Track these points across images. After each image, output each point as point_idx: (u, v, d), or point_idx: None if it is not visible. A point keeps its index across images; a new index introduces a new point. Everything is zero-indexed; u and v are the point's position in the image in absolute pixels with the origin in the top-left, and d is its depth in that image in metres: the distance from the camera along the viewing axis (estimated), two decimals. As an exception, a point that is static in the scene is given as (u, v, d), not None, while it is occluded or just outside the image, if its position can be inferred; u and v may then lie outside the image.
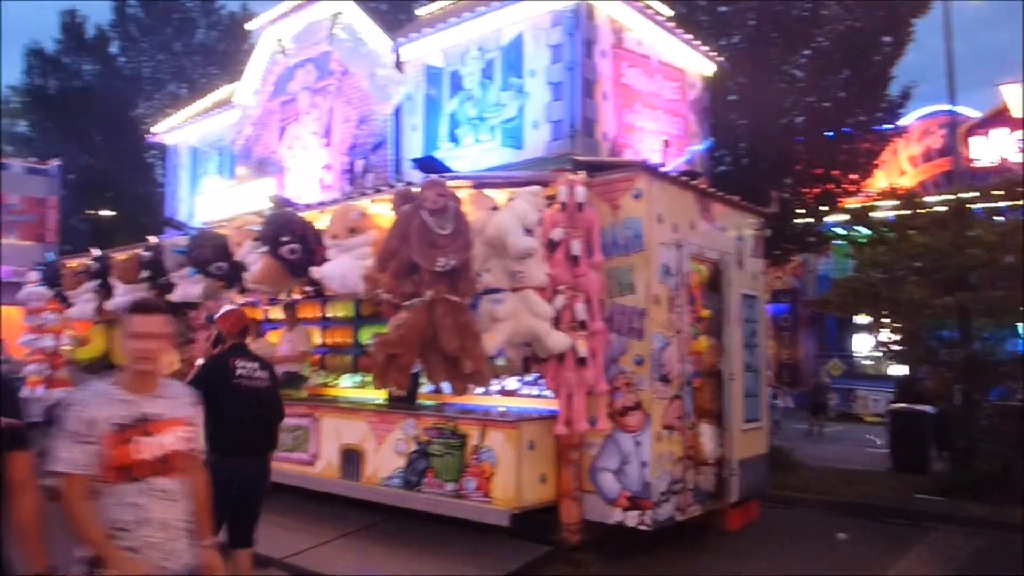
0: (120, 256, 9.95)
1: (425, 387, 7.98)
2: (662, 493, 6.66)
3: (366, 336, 9.62)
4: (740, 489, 7.69)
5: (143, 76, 24.20)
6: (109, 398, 2.76)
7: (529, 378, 8.00)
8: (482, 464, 6.76)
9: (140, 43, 24.37)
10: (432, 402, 8.32)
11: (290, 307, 10.11)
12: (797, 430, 16.53)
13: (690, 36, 9.48)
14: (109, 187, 23.85)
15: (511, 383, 8.29)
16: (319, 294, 9.92)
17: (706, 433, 7.52)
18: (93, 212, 24.31)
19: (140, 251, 9.51)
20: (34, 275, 11.71)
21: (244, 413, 4.94)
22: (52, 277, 11.25)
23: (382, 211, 6.86)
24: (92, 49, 25.01)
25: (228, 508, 4.62)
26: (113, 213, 24.14)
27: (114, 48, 25.08)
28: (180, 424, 2.88)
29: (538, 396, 7.87)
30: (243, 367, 5.07)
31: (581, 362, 6.54)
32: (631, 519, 6.61)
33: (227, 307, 5.97)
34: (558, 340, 6.47)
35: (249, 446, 4.97)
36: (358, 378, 9.96)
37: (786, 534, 8.15)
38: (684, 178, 7.50)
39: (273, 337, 10.22)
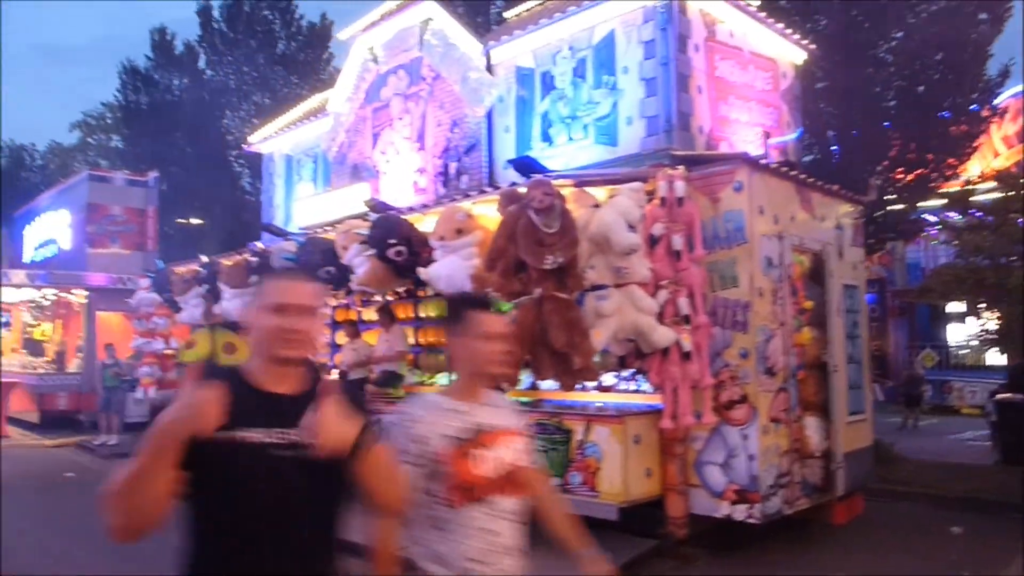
0: (227, 262, 10.41)
1: (522, 383, 8.10)
2: (770, 486, 6.64)
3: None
4: (846, 482, 7.60)
5: (229, 88, 25.07)
6: (440, 409, 2.44)
7: (626, 373, 8.06)
8: (587, 459, 6.85)
9: (226, 56, 25.26)
10: (527, 399, 8.44)
11: (386, 308, 10.39)
12: (890, 423, 16.09)
13: (781, 25, 9.38)
14: (198, 196, 24.80)
15: (608, 379, 8.35)
16: (411, 295, 10.18)
17: (811, 426, 7.45)
18: (184, 220, 25.32)
19: (247, 256, 9.94)
20: (144, 282, 12.30)
21: None
22: (162, 283, 11.81)
23: (485, 212, 7.02)
24: (181, 64, 26.06)
25: None
26: (201, 221, 25.09)
27: (201, 62, 26.06)
28: (514, 435, 2.54)
29: (636, 391, 7.92)
30: None
31: (686, 356, 6.57)
32: (739, 513, 6.60)
33: None
34: (663, 335, 6.51)
35: None
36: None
37: (894, 529, 7.99)
38: (784, 169, 7.44)
39: (370, 338, 10.51)
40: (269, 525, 1.81)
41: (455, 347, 2.53)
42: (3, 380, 15.97)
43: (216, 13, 25.56)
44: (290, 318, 1.88)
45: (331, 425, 1.82)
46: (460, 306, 2.58)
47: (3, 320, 21.67)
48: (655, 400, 7.01)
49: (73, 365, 18.08)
